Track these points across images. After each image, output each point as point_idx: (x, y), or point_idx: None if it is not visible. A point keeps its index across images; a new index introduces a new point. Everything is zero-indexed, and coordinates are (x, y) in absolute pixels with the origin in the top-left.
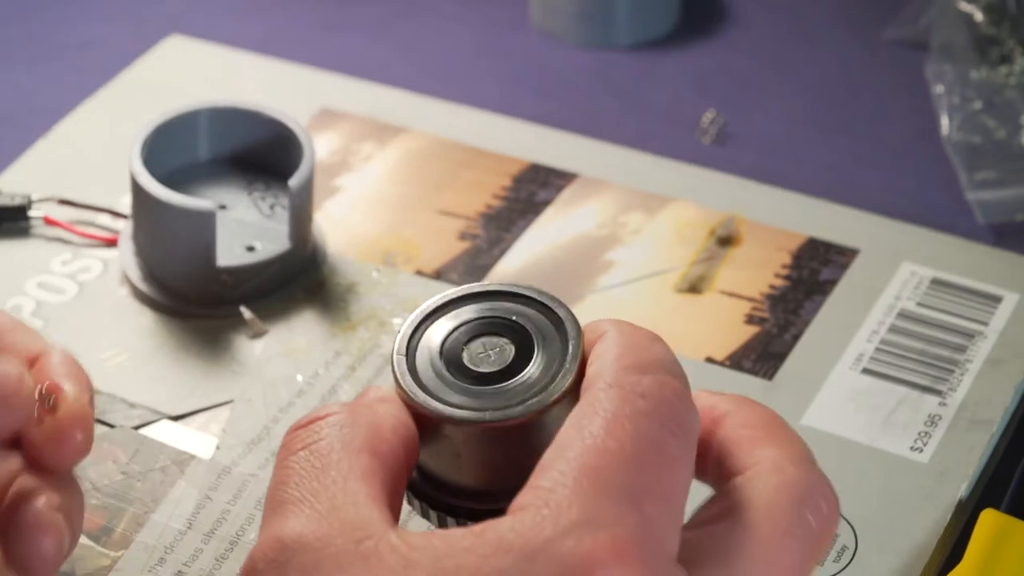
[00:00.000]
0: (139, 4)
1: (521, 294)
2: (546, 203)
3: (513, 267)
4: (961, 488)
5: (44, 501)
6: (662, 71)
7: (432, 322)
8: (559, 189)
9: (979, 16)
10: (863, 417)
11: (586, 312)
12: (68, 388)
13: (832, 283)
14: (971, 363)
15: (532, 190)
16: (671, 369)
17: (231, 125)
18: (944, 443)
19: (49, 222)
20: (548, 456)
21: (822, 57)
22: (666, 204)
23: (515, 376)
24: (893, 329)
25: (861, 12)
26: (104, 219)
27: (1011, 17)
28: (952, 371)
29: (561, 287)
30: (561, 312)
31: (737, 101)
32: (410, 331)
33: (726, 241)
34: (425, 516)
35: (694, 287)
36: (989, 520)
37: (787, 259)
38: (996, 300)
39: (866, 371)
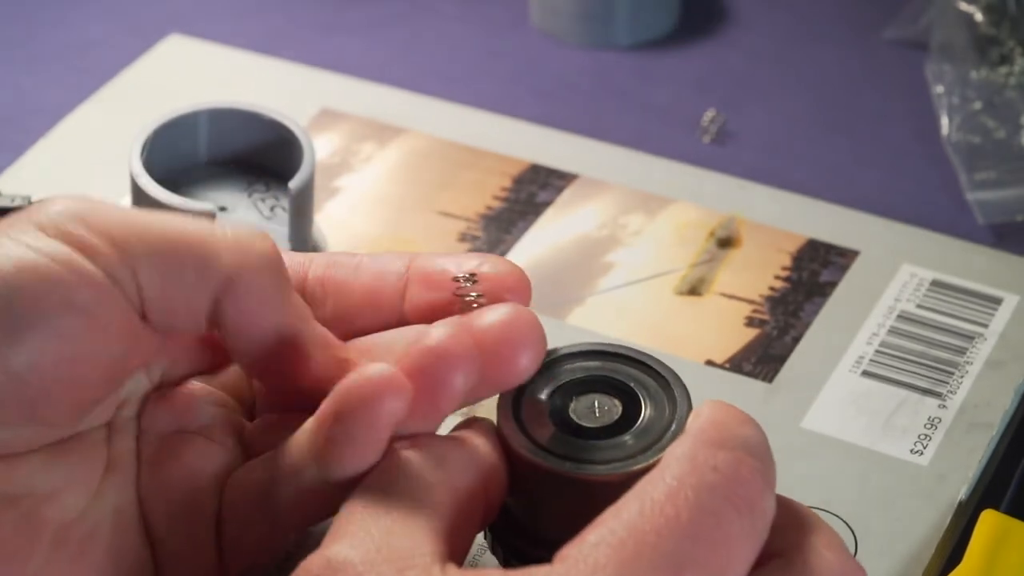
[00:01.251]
0: (139, 4)
1: (646, 363)
2: (546, 204)
3: None
4: (961, 491)
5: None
6: (662, 71)
7: (545, 372)
8: (559, 190)
9: (979, 16)
10: (863, 420)
11: (587, 314)
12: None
13: (832, 285)
14: (971, 365)
15: (532, 191)
16: (755, 451)
17: (231, 126)
18: (944, 446)
19: None
20: (606, 514)
21: (822, 57)
22: (666, 205)
23: (615, 436)
24: (893, 331)
25: (861, 12)
26: None
27: (1011, 17)
28: (952, 373)
29: (561, 289)
30: (677, 392)
31: (737, 101)
32: (512, 393)
33: (726, 242)
34: (493, 553)
35: (694, 289)
36: (989, 521)
37: (787, 261)
38: (996, 302)
39: (866, 373)
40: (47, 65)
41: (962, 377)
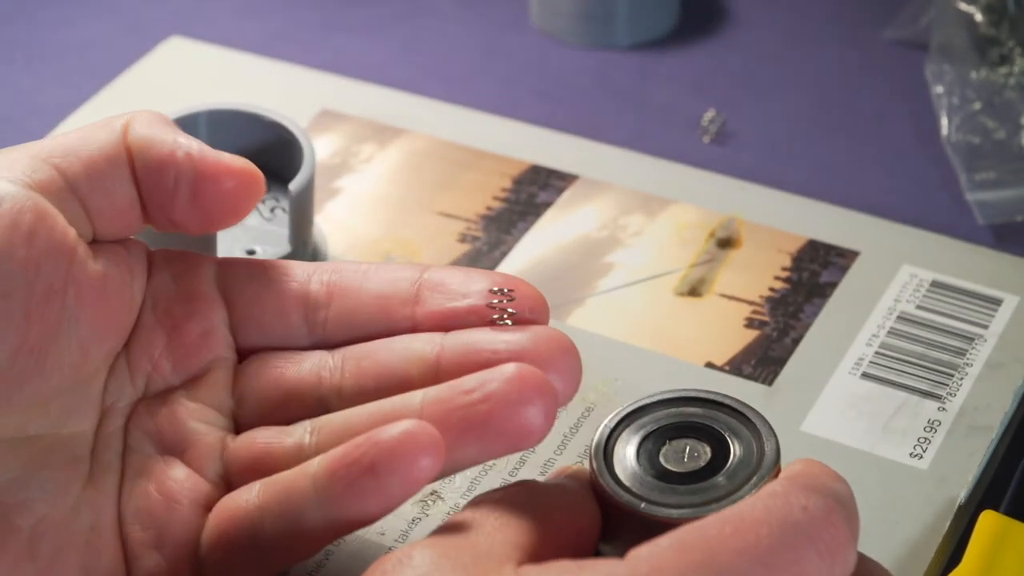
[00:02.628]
0: (139, 5)
1: (738, 410)
2: (546, 205)
3: (513, 269)
4: (960, 493)
5: None
6: (662, 71)
7: (630, 422)
8: (559, 191)
9: (979, 16)
10: (863, 423)
11: (587, 316)
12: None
13: (832, 286)
14: (971, 367)
15: (532, 192)
16: (846, 504)
17: (231, 127)
18: (943, 449)
19: None
20: (688, 526)
21: (822, 57)
22: (666, 206)
23: (704, 480)
24: (893, 333)
25: (861, 12)
26: None
27: (1011, 17)
28: (952, 375)
29: (561, 290)
30: (767, 440)
31: (737, 101)
32: (606, 433)
33: (726, 243)
34: None
35: (694, 290)
36: (988, 522)
37: (787, 261)
38: (996, 303)
39: (865, 375)
40: (47, 65)
41: (962, 379)
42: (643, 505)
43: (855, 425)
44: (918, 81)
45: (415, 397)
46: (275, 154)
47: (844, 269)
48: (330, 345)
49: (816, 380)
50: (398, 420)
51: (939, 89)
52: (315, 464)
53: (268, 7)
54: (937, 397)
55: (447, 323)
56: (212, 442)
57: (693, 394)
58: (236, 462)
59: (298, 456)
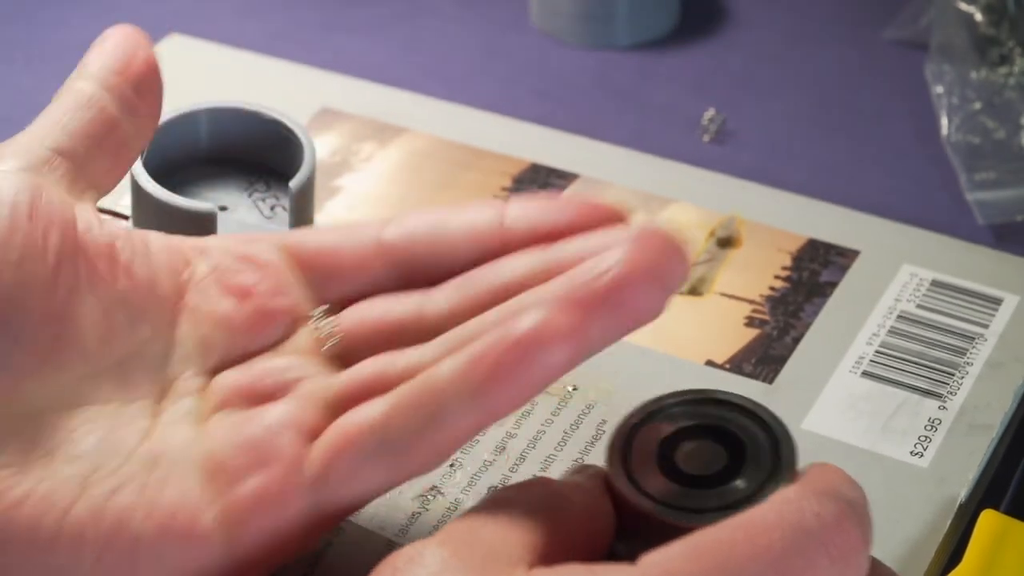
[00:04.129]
0: (139, 4)
1: (757, 414)
2: None
3: None
4: (961, 492)
5: None
6: (662, 71)
7: (655, 418)
8: (560, 190)
9: (979, 16)
10: (863, 422)
11: None
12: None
13: (832, 285)
14: (971, 366)
15: (532, 191)
16: (859, 511)
17: (231, 126)
18: (944, 448)
19: None
20: (701, 531)
21: (822, 57)
22: (666, 205)
23: (719, 485)
24: (893, 332)
25: (861, 12)
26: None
27: (1011, 17)
28: (952, 374)
29: None
30: (784, 446)
31: (737, 101)
32: (627, 428)
33: (726, 242)
34: None
35: (694, 289)
36: (989, 521)
37: (787, 261)
38: (996, 302)
39: (866, 374)
40: (47, 65)
41: (962, 378)
42: (658, 509)
43: (855, 424)
44: (918, 81)
45: (530, 295)
46: (275, 152)
47: (844, 268)
48: (420, 285)
49: (816, 379)
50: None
51: (939, 89)
52: (448, 362)
53: (268, 6)
54: (937, 396)
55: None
56: (311, 382)
57: (709, 395)
58: (352, 383)
59: (417, 326)
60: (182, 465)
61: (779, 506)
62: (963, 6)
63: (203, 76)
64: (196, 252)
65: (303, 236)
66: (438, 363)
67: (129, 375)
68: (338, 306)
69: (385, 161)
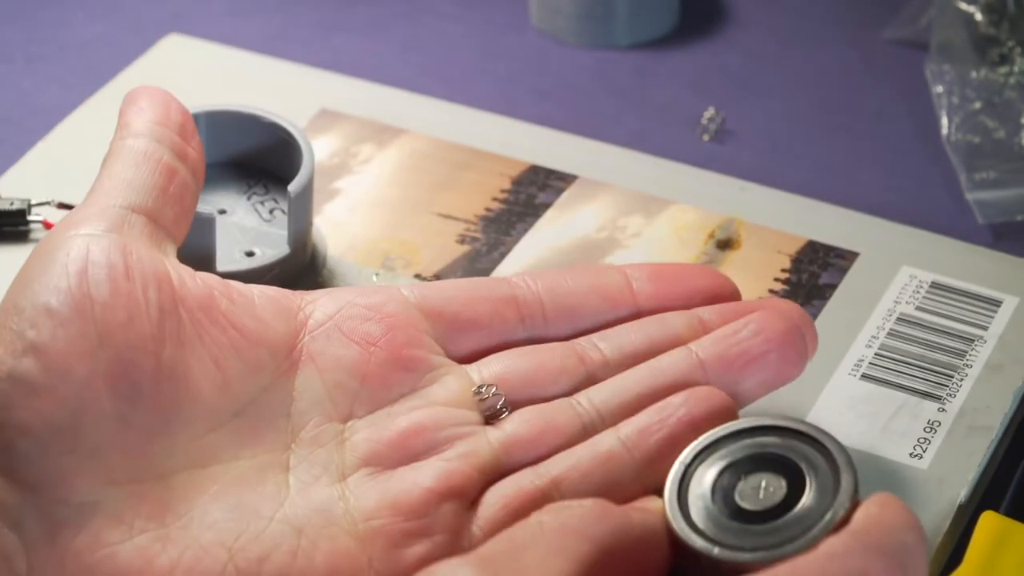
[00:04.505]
0: (139, 4)
1: (820, 442)
2: (546, 205)
3: (513, 271)
4: (960, 494)
5: None
6: (662, 71)
7: (707, 456)
8: (559, 191)
9: (979, 16)
10: (862, 424)
11: None
12: None
13: (832, 287)
14: (970, 368)
15: (532, 192)
16: (911, 562)
17: (230, 129)
18: (943, 450)
19: (48, 226)
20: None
21: (822, 57)
22: (666, 207)
23: (773, 520)
24: (892, 334)
25: (861, 12)
26: None
27: (1011, 17)
28: (951, 376)
29: None
30: (845, 477)
31: (737, 101)
32: (682, 468)
33: (725, 244)
34: None
35: None
36: (988, 522)
37: (787, 263)
38: (996, 303)
39: (865, 377)
40: (47, 65)
41: (961, 380)
42: (716, 551)
43: (855, 426)
44: (918, 81)
45: (682, 352)
46: (274, 155)
47: (843, 271)
48: (551, 340)
49: (816, 381)
50: (672, 372)
51: (939, 89)
52: (620, 431)
53: (267, 6)
54: (937, 398)
55: (671, 307)
56: (464, 444)
57: (768, 422)
58: (510, 443)
59: (579, 423)
60: (332, 528)
61: (824, 561)
62: (963, 6)
63: (202, 77)
64: (306, 301)
65: (427, 289)
66: (603, 434)
67: (252, 427)
68: (467, 359)
69: (384, 163)
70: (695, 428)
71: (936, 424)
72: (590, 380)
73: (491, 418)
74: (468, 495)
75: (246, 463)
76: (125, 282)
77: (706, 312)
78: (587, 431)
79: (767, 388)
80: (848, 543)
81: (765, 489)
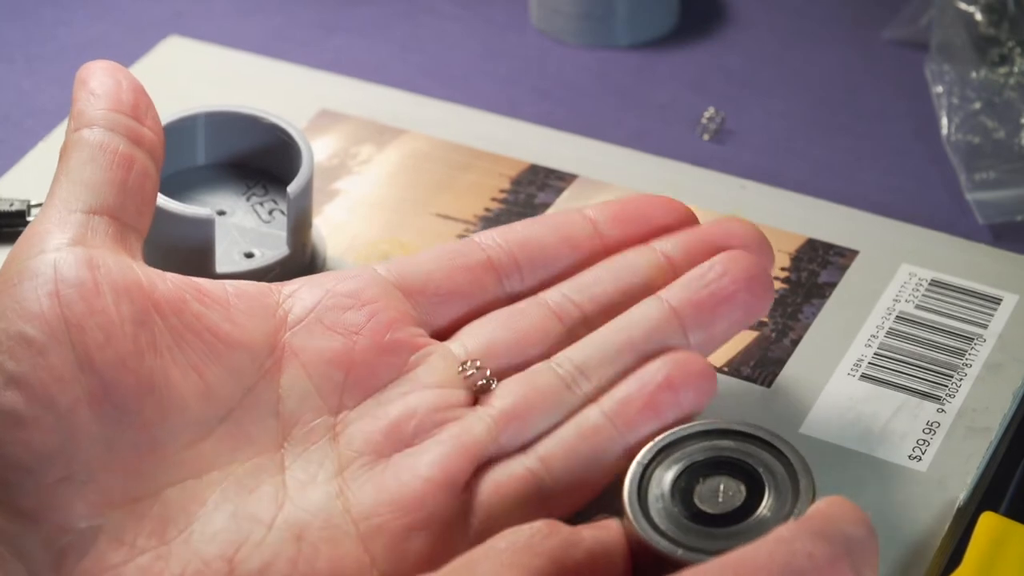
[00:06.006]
0: (139, 4)
1: (778, 448)
2: (546, 205)
3: None
4: (960, 495)
5: None
6: (662, 71)
7: (664, 458)
8: (559, 191)
9: (979, 16)
10: (861, 425)
11: None
12: None
13: (831, 286)
14: (970, 367)
15: (531, 192)
16: (857, 553)
17: (229, 129)
18: (942, 451)
19: None
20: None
21: (822, 57)
22: None
23: (734, 524)
24: (891, 333)
25: (861, 12)
26: None
27: (1011, 17)
28: (951, 376)
29: None
30: (803, 482)
31: (737, 101)
32: (640, 469)
33: None
34: None
35: None
36: (988, 523)
37: (786, 261)
38: (995, 301)
39: (864, 377)
40: (47, 65)
41: (961, 380)
42: (680, 552)
43: (854, 427)
44: (918, 81)
45: (653, 301)
46: (273, 156)
47: (843, 269)
48: (528, 294)
49: (815, 382)
50: (646, 323)
51: (939, 89)
52: (602, 402)
53: (267, 6)
54: (936, 398)
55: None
56: (455, 426)
57: (725, 426)
58: (500, 419)
59: (563, 386)
60: (332, 530)
61: (772, 545)
62: (963, 6)
63: (201, 77)
64: (284, 295)
65: (403, 265)
66: (587, 409)
67: (242, 431)
68: (449, 328)
69: (383, 164)
70: (674, 391)
71: (935, 425)
72: (570, 336)
73: (478, 392)
74: (462, 479)
75: (241, 467)
76: (97, 299)
77: (669, 246)
78: (573, 393)
79: (740, 326)
80: (795, 528)
81: (724, 492)
